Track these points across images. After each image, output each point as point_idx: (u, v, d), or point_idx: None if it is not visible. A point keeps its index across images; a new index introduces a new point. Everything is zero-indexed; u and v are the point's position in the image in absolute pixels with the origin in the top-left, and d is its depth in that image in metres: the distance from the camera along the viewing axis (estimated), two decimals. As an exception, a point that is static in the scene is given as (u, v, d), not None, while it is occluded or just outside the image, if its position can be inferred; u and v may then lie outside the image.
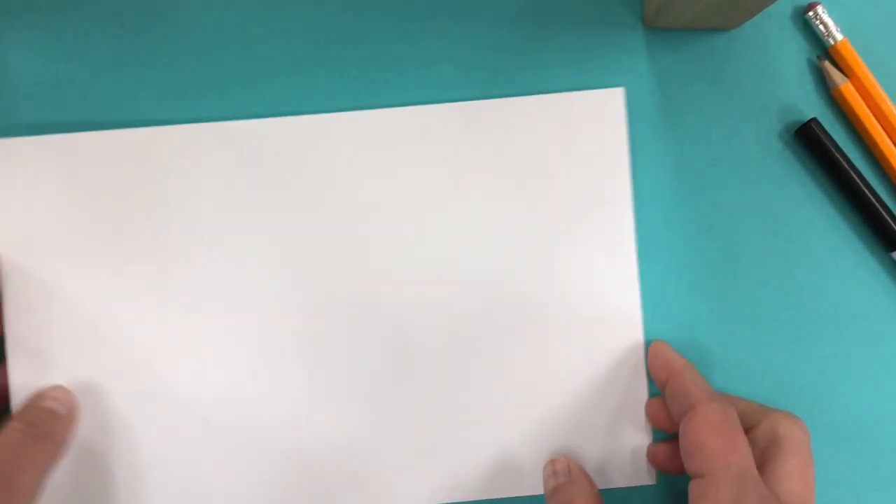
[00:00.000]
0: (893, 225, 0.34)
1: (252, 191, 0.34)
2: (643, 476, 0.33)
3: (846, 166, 0.34)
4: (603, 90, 0.34)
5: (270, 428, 0.33)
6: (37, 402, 0.32)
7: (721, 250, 0.34)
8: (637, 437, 0.33)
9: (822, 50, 0.35)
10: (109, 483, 0.33)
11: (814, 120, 0.34)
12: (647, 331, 0.34)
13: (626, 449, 0.33)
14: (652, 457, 0.33)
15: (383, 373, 0.33)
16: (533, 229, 0.34)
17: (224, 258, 0.34)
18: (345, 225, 0.34)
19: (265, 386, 0.33)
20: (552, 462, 0.32)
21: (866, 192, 0.34)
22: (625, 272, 0.34)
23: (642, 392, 0.33)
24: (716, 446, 0.27)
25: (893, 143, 0.34)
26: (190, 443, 0.33)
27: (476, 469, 0.33)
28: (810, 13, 0.34)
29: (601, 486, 0.33)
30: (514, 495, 0.33)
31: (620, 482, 0.33)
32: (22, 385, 0.33)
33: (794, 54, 0.35)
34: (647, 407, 0.33)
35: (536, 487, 0.33)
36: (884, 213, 0.34)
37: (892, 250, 0.34)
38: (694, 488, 0.27)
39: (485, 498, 0.34)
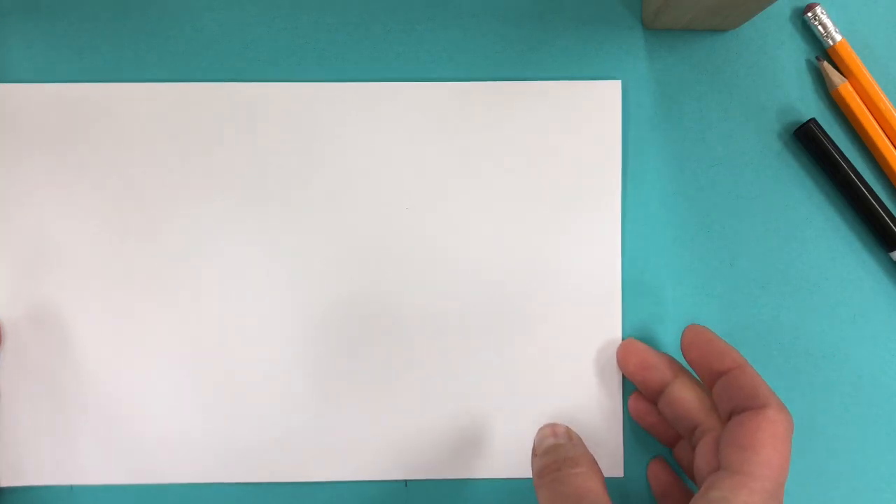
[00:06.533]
0: (892, 225, 0.34)
1: (246, 157, 0.34)
2: (613, 468, 0.34)
3: (845, 167, 0.34)
4: (601, 81, 0.34)
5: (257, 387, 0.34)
6: None
7: (721, 250, 0.34)
8: (608, 431, 0.34)
9: (821, 50, 0.35)
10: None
11: (812, 120, 0.34)
12: (646, 331, 0.34)
13: (597, 441, 0.34)
14: (633, 407, 0.34)
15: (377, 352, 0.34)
16: (521, 217, 0.34)
17: (212, 231, 0.34)
18: (332, 193, 0.34)
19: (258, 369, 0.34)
20: (552, 425, 0.32)
21: (865, 192, 0.34)
22: (609, 266, 0.34)
23: (616, 387, 0.34)
24: (770, 456, 0.27)
25: (892, 143, 0.34)
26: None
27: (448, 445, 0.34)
28: (809, 14, 0.34)
29: None
30: (486, 477, 0.34)
31: None
32: None
33: (792, 55, 0.35)
34: (630, 401, 0.34)
35: (503, 470, 0.34)
36: (882, 213, 0.34)
37: (891, 250, 0.34)
38: (719, 480, 0.27)
39: (457, 476, 0.34)
